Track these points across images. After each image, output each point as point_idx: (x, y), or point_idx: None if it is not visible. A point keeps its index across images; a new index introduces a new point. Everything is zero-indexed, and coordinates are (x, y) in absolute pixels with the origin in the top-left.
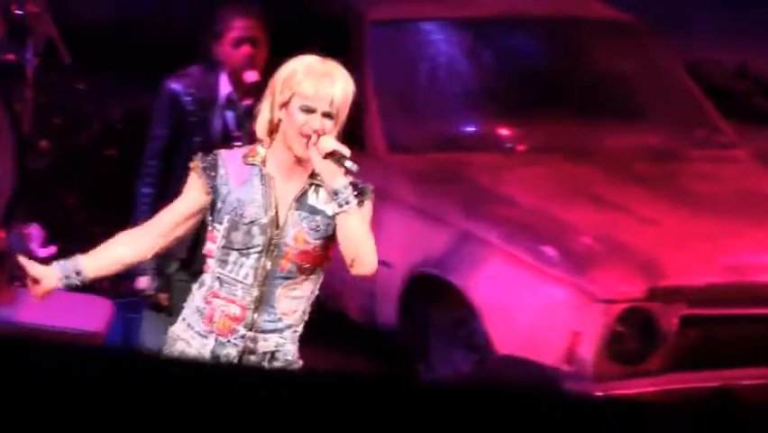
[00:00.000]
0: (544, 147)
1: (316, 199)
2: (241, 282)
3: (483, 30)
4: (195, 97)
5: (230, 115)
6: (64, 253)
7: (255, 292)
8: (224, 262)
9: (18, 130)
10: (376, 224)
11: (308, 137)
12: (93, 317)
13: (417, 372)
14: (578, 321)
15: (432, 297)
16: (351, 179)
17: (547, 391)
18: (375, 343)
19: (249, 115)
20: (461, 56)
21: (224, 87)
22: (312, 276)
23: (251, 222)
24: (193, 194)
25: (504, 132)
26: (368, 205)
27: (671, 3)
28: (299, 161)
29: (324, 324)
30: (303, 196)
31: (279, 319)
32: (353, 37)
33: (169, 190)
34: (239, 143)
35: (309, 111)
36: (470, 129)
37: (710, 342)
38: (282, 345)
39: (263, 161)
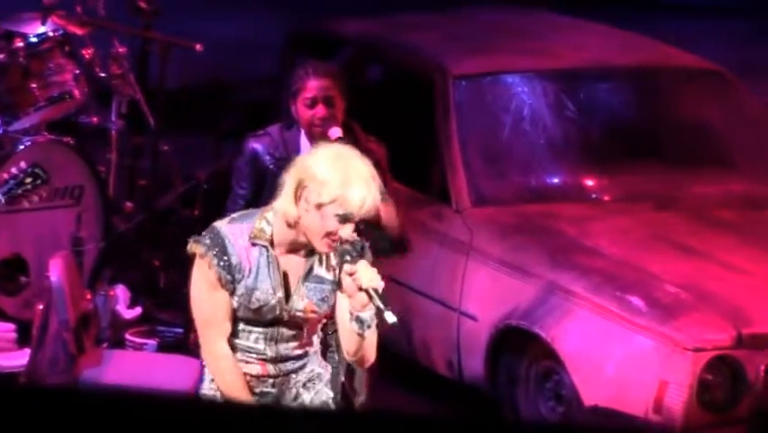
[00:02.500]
0: (630, 197)
1: (321, 268)
2: (253, 347)
3: (567, 81)
4: (275, 156)
5: None
6: (149, 315)
7: (269, 352)
8: (233, 331)
9: (103, 192)
10: (461, 277)
11: (334, 241)
12: (180, 376)
13: None
14: (666, 370)
15: (518, 349)
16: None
17: None
18: (462, 396)
19: None
20: (546, 108)
21: (304, 145)
22: (315, 332)
23: (261, 306)
24: (220, 294)
25: (589, 182)
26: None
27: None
28: (307, 245)
29: (411, 378)
30: (310, 269)
31: (299, 356)
32: (438, 91)
33: None
34: None
35: (346, 220)
36: (555, 180)
37: None
38: (308, 364)
39: (271, 241)
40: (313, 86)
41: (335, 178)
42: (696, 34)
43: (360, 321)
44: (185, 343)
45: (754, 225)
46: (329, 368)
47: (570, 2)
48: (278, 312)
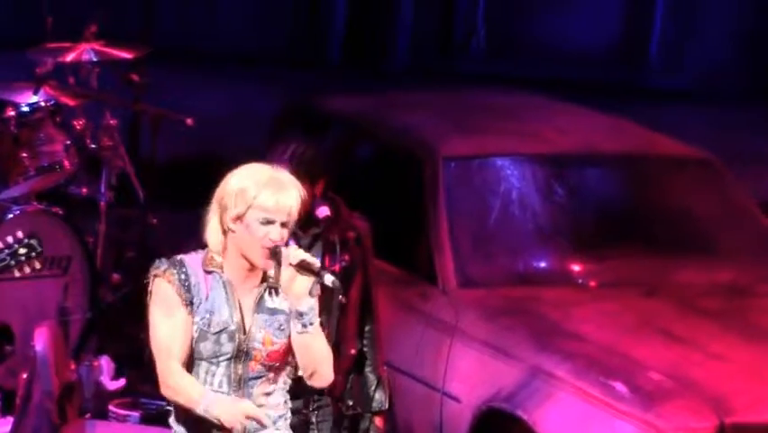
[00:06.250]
0: (615, 282)
1: (273, 301)
2: (217, 391)
3: (556, 166)
4: None
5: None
6: (133, 387)
7: (233, 396)
8: (194, 375)
9: (90, 263)
10: (446, 358)
11: (269, 249)
12: None
13: None
14: None
15: (501, 431)
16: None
17: None
18: None
19: (312, 246)
20: (534, 191)
21: None
22: (281, 370)
23: (220, 331)
24: (179, 313)
25: (576, 267)
26: None
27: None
28: (253, 268)
29: None
30: (261, 300)
31: (268, 415)
32: (426, 172)
33: None
34: None
35: (269, 222)
36: (542, 264)
37: None
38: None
39: (221, 268)
40: None
41: (247, 186)
42: (686, 121)
43: (300, 315)
44: (167, 415)
45: (739, 313)
46: None
47: (559, 86)
48: (237, 341)
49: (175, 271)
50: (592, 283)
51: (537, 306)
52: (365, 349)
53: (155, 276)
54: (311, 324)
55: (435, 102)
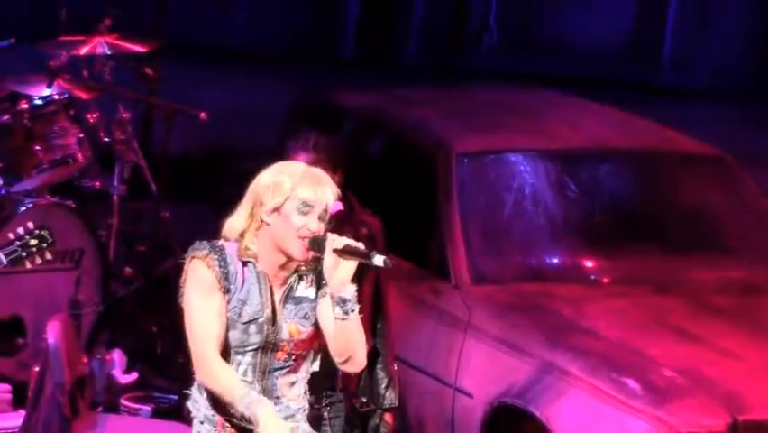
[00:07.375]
0: (628, 279)
1: (299, 290)
2: (242, 379)
3: (569, 162)
4: None
5: None
6: (145, 381)
7: (257, 387)
8: None
9: (103, 256)
10: (458, 354)
11: (309, 240)
12: None
13: None
14: None
15: (513, 427)
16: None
17: None
18: None
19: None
20: (547, 188)
21: None
22: (306, 358)
23: (249, 321)
24: (216, 298)
25: (588, 263)
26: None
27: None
28: (286, 263)
29: None
30: (289, 290)
31: (288, 407)
32: (440, 168)
33: None
34: None
35: (308, 213)
36: (555, 260)
37: None
38: (296, 428)
39: (256, 258)
40: (300, 159)
41: (283, 179)
42: (698, 119)
43: (342, 302)
44: (179, 409)
45: (752, 311)
46: None
47: (571, 83)
48: (265, 332)
49: (216, 258)
50: (605, 280)
51: (550, 302)
52: (377, 346)
53: (195, 257)
54: (352, 310)
55: (448, 98)
